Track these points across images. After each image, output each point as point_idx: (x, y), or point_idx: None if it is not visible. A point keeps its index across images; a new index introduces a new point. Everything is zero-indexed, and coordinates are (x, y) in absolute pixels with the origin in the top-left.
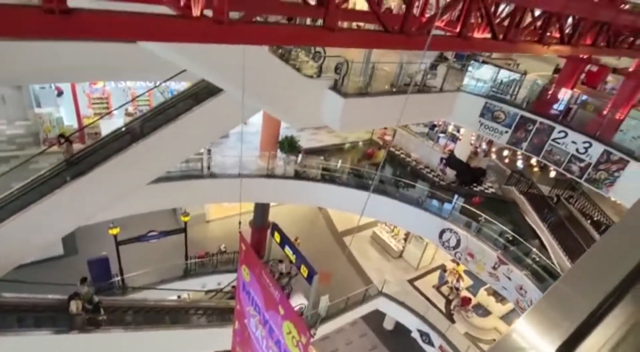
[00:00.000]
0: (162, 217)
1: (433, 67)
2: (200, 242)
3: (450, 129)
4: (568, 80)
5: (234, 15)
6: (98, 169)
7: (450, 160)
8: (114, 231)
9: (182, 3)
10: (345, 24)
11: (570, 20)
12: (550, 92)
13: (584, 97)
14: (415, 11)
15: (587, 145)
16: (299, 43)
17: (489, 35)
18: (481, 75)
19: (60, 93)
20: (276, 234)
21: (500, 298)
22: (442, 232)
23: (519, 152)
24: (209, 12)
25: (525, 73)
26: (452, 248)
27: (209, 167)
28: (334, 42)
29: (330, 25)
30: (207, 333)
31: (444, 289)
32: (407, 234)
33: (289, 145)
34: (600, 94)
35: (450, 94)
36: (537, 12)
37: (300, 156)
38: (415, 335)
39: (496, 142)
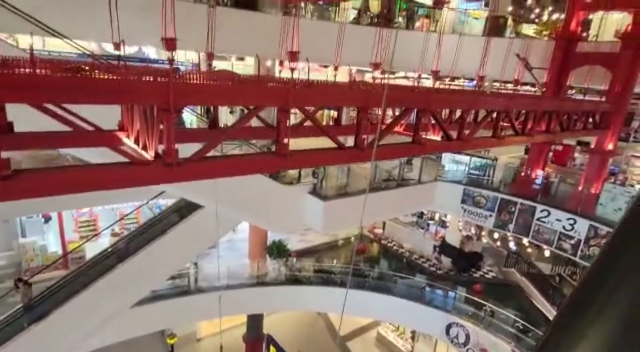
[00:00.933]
0: (148, 341)
1: (408, 161)
2: None
3: (437, 215)
4: (537, 161)
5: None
6: (72, 301)
7: (444, 247)
8: None
9: (128, 151)
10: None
11: (519, 114)
12: (523, 173)
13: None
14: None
15: (572, 222)
16: (252, 172)
17: (439, 139)
18: (456, 163)
19: (47, 219)
20: (272, 349)
21: None
22: (449, 327)
23: (509, 234)
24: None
25: (495, 159)
26: (462, 344)
27: (196, 281)
28: (288, 166)
29: (282, 151)
30: None
31: None
32: (413, 332)
33: (278, 250)
34: (572, 171)
35: (429, 185)
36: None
37: (290, 260)
38: None
39: (483, 226)
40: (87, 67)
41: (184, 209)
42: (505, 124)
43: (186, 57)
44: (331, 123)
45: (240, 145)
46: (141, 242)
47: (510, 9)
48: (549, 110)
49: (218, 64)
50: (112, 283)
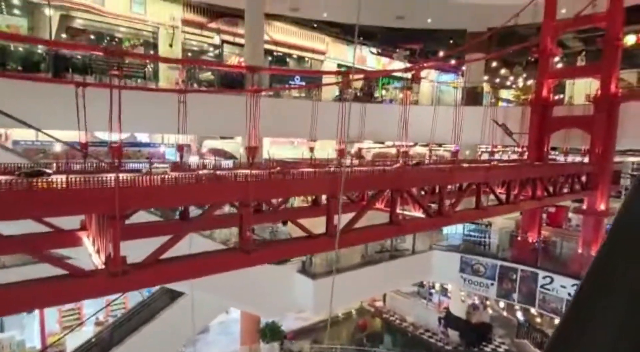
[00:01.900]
0: None
1: None
2: None
3: (438, 284)
4: (532, 224)
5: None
6: None
7: (449, 319)
8: None
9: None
10: None
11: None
12: (519, 237)
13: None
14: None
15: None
16: (212, 273)
17: (422, 215)
18: (449, 230)
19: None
20: None
21: None
22: None
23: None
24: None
25: (489, 224)
26: None
27: None
28: (252, 264)
29: (245, 247)
30: None
31: None
32: None
33: (271, 333)
34: (569, 233)
35: (424, 254)
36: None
37: (285, 343)
38: None
39: (486, 296)
40: (49, 170)
41: (175, 291)
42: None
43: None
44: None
45: None
46: (126, 330)
47: (485, 77)
48: (531, 178)
49: (209, 143)
50: None
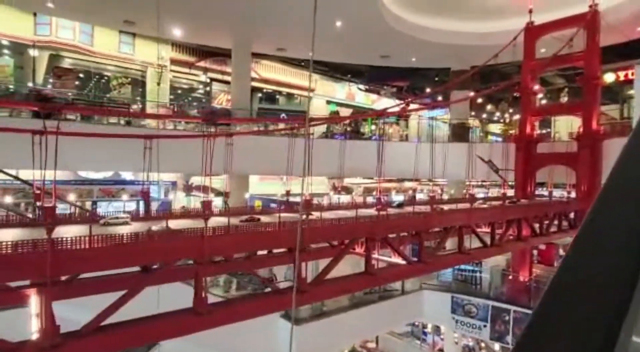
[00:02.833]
0: None
1: None
2: None
3: (430, 325)
4: (522, 263)
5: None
6: None
7: None
8: None
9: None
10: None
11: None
12: (510, 276)
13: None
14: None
15: None
16: (163, 338)
17: (401, 261)
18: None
19: None
20: None
21: None
22: None
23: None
24: None
25: (479, 263)
26: None
27: None
28: (204, 327)
29: (199, 309)
30: None
31: None
32: None
33: None
34: None
35: (415, 294)
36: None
37: None
38: None
39: (479, 338)
40: None
41: None
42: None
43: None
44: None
45: None
46: None
47: (472, 113)
48: (515, 218)
49: (196, 179)
50: None
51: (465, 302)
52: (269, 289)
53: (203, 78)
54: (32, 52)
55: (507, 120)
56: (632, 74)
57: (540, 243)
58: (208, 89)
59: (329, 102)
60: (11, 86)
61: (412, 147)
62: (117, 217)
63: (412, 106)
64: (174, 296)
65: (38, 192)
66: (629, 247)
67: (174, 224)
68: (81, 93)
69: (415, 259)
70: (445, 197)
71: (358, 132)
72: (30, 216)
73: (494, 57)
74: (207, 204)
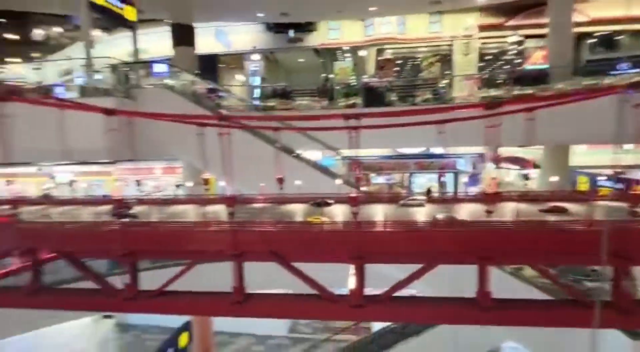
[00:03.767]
0: None
1: None
2: None
3: None
4: None
5: None
6: None
7: None
8: None
9: None
10: None
11: None
12: None
13: None
14: None
15: None
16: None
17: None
18: None
19: None
20: None
21: None
22: None
23: None
24: None
25: None
26: None
27: None
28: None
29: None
30: None
31: None
32: None
33: None
34: None
35: None
36: None
37: None
38: None
39: None
40: None
41: None
42: None
43: None
44: None
45: None
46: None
47: None
48: None
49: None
50: None
51: None
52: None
53: (514, 38)
54: (362, 52)
55: None
56: None
57: None
58: (520, 48)
59: None
60: (353, 82)
61: None
62: (414, 199)
63: None
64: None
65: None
66: None
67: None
68: (398, 79)
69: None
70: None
71: None
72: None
73: None
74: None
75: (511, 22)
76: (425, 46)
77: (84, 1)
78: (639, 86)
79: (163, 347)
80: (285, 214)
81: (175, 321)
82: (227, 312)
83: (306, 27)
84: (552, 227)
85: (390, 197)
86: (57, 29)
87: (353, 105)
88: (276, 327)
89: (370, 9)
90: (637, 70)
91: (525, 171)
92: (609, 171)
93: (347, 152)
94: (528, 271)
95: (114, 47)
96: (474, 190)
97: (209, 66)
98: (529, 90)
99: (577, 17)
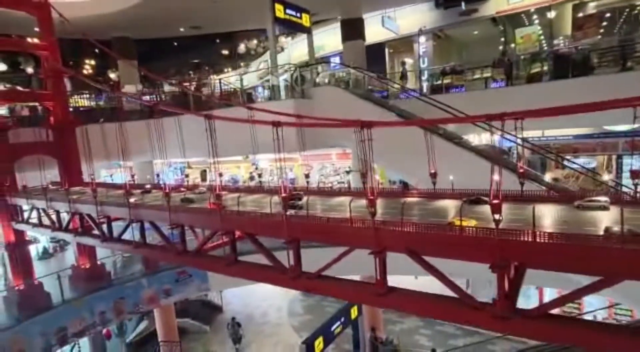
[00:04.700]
0: None
1: None
2: None
3: None
4: None
5: None
6: None
7: None
8: None
9: None
10: None
11: None
12: None
13: None
14: None
15: None
16: None
17: None
18: None
19: None
20: None
21: None
22: None
23: None
24: None
25: None
26: None
27: None
28: None
29: None
30: None
31: None
32: None
33: None
34: None
35: None
36: None
37: None
38: None
39: None
40: None
41: None
42: None
43: None
44: None
45: None
46: None
47: None
48: None
49: None
50: None
51: None
52: None
53: None
54: (551, 13)
55: None
56: None
57: None
58: None
59: None
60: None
61: None
62: (594, 200)
63: None
64: None
65: None
66: None
67: None
68: (601, 41)
69: None
70: None
71: None
72: None
73: None
74: None
75: None
76: None
77: (270, 17)
78: None
79: (338, 315)
80: (433, 213)
81: None
82: (369, 301)
83: None
84: None
85: (565, 195)
86: (255, 42)
87: (538, 77)
88: None
89: None
90: None
91: None
92: None
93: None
94: None
95: (300, 49)
96: None
97: (377, 55)
98: None
99: None
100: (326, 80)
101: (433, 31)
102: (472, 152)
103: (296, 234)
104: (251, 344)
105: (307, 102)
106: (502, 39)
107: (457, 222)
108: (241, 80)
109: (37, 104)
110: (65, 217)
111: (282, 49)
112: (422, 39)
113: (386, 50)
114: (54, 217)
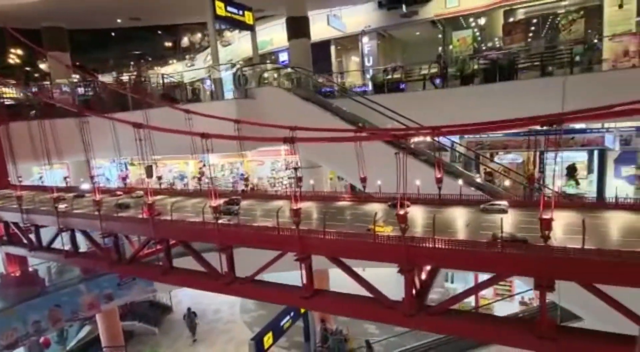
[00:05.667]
0: None
1: None
2: None
3: None
4: None
5: None
6: None
7: None
8: None
9: None
10: None
11: None
12: None
13: None
14: None
15: None
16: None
17: None
18: None
19: None
20: None
21: None
22: None
23: None
24: None
25: None
26: None
27: None
28: None
29: None
30: None
31: None
32: None
33: None
34: None
35: None
36: None
37: None
38: None
39: None
40: None
41: None
42: None
43: None
44: None
45: None
46: None
47: None
48: None
49: None
50: None
51: None
52: None
53: None
54: (483, 19)
55: None
56: None
57: None
58: None
59: None
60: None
61: None
62: (493, 204)
63: None
64: None
65: None
66: None
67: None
68: (527, 46)
69: None
70: None
71: None
72: None
73: None
74: None
75: None
76: (568, 1)
77: (209, 14)
78: None
79: (287, 310)
80: (361, 216)
81: None
82: (297, 304)
83: None
84: None
85: (473, 199)
86: (199, 35)
87: (471, 79)
88: None
89: None
90: None
91: None
92: None
93: None
94: None
95: (248, 42)
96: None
97: (323, 52)
98: None
99: None
100: (275, 75)
101: (377, 31)
102: (411, 156)
103: (228, 241)
104: (205, 340)
105: (251, 103)
106: (442, 41)
107: (376, 229)
108: (182, 77)
109: None
110: None
111: (230, 43)
112: (366, 38)
113: (332, 47)
114: None
